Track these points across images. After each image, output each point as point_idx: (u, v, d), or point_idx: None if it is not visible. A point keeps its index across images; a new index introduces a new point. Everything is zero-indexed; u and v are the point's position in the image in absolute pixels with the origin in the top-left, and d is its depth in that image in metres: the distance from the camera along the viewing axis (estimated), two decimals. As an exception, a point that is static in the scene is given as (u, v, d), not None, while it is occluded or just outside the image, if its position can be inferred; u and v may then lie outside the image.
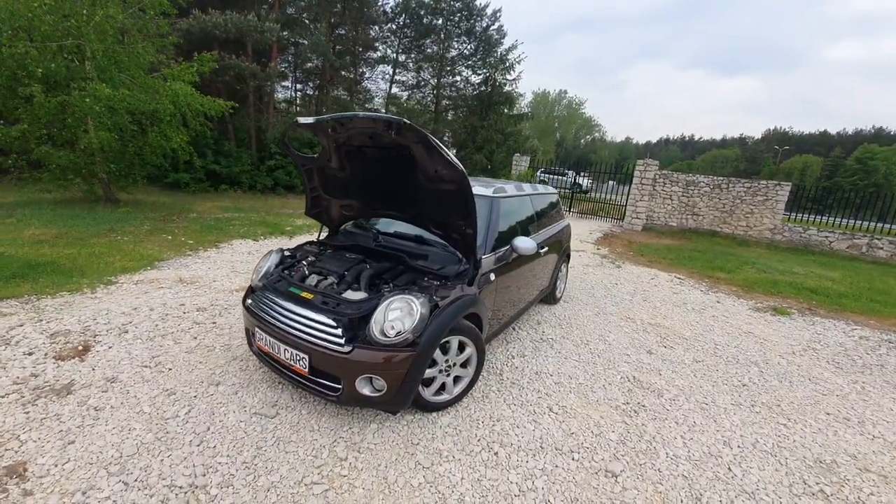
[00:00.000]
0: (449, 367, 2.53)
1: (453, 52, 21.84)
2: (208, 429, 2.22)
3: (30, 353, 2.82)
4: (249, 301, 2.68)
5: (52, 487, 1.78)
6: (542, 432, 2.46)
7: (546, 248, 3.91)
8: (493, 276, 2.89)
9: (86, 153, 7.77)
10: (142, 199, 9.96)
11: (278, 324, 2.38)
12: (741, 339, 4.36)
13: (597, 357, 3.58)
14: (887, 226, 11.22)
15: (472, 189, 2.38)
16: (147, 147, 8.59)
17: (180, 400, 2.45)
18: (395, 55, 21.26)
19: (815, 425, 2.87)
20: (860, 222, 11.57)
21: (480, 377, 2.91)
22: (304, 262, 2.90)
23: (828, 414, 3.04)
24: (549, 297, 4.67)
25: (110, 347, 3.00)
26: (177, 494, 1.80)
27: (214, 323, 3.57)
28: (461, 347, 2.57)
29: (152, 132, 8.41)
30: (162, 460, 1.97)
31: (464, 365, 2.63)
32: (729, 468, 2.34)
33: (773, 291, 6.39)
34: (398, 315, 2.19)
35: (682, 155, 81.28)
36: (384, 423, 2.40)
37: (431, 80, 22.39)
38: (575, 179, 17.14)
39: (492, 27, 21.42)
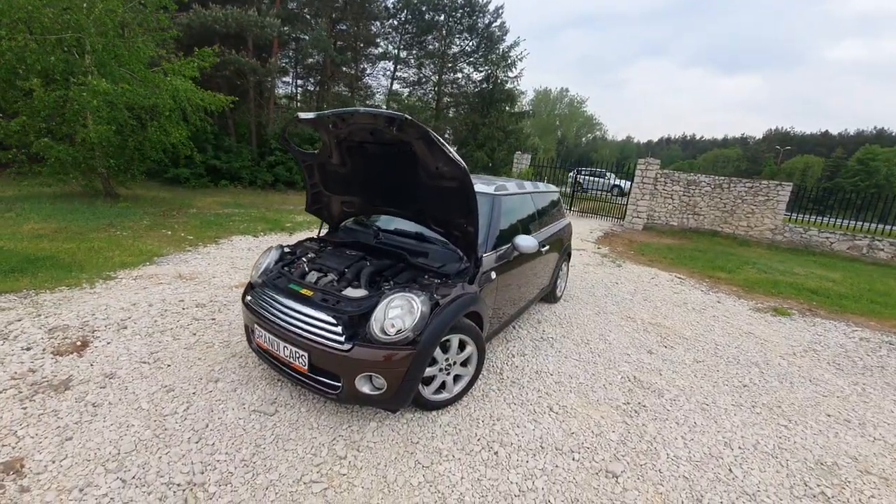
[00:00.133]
0: (449, 365, 2.52)
1: (455, 49, 21.77)
2: (207, 426, 2.21)
3: (28, 349, 2.80)
4: (249, 298, 2.66)
5: (49, 484, 1.77)
6: (543, 432, 2.45)
7: (547, 247, 3.89)
8: (493, 275, 2.87)
9: (85, 147, 7.74)
10: (141, 195, 9.92)
11: (278, 321, 2.36)
12: (742, 339, 4.35)
13: (597, 356, 3.57)
14: (888, 227, 11.20)
15: (475, 186, 2.36)
16: (147, 142, 8.56)
17: (179, 397, 2.43)
18: (396, 51, 21.18)
19: (815, 427, 2.86)
20: (861, 223, 11.56)
21: (480, 376, 2.90)
22: (304, 258, 2.88)
23: (828, 415, 3.03)
24: (549, 295, 4.66)
25: (109, 343, 2.98)
26: (175, 492, 1.79)
27: (213, 319, 3.55)
28: (461, 346, 2.55)
29: (152, 127, 8.37)
30: (160, 457, 1.96)
31: (464, 363, 2.62)
32: (730, 469, 2.33)
33: (773, 292, 6.38)
34: (398, 313, 2.18)
35: (683, 154, 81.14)
36: (384, 422, 2.38)
37: (433, 77, 22.31)
38: (614, 182, 16.80)
39: (494, 24, 21.35)
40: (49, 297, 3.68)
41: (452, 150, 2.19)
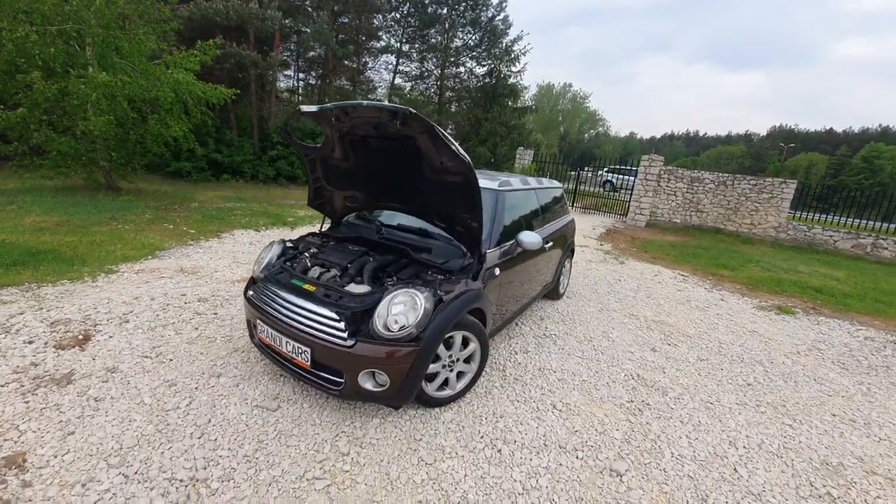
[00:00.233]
0: (452, 362, 2.50)
1: (458, 43, 21.60)
2: (209, 421, 2.20)
3: (30, 342, 2.79)
4: (251, 292, 2.64)
5: (51, 479, 1.76)
6: (546, 430, 2.43)
7: (551, 243, 3.86)
8: (497, 271, 2.84)
9: (87, 140, 7.71)
10: (143, 188, 9.90)
11: (280, 316, 2.34)
12: (746, 337, 4.33)
13: (600, 354, 3.55)
14: (892, 226, 11.13)
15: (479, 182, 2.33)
16: (148, 135, 8.52)
17: (181, 391, 2.42)
18: (398, 45, 21.05)
19: (820, 426, 2.85)
20: (865, 222, 11.48)
21: (483, 373, 2.89)
22: (306, 253, 2.86)
23: (833, 415, 3.01)
24: (552, 292, 4.63)
25: (111, 337, 2.97)
26: (177, 488, 1.78)
27: (216, 314, 3.54)
28: (465, 343, 2.53)
29: (153, 120, 8.33)
30: (162, 453, 1.95)
31: (467, 360, 2.61)
32: (735, 469, 2.32)
33: (777, 290, 6.35)
34: (402, 309, 2.16)
35: (686, 151, 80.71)
36: (386, 418, 2.37)
37: (435, 71, 22.16)
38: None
39: (497, 17, 21.17)
40: (51, 290, 3.67)
41: (457, 145, 2.15)
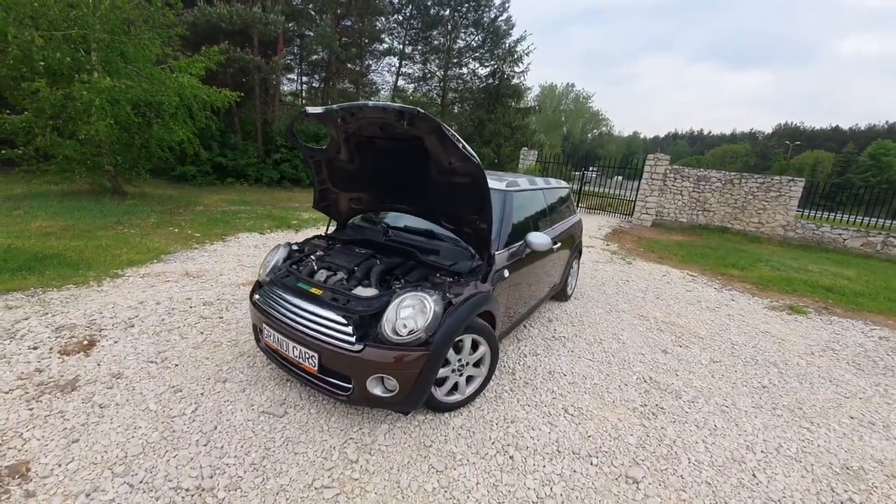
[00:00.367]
0: (462, 366, 2.45)
1: (460, 44, 21.59)
2: (215, 428, 2.16)
3: (35, 348, 2.77)
4: (257, 296, 2.60)
5: (55, 489, 1.72)
6: (559, 435, 2.37)
7: (559, 244, 3.80)
8: (506, 273, 2.79)
9: (92, 144, 7.74)
10: (148, 192, 9.94)
11: (287, 320, 2.30)
12: (758, 338, 4.24)
13: (611, 356, 3.49)
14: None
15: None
16: (152, 140, 8.55)
17: (187, 397, 2.39)
18: (401, 47, 21.08)
19: (839, 430, 2.77)
20: (872, 219, 11.32)
21: (493, 376, 2.83)
22: (312, 256, 2.82)
23: (852, 418, 2.93)
24: (559, 293, 4.57)
25: (116, 342, 2.95)
26: (183, 497, 1.74)
27: (221, 318, 3.51)
28: (474, 346, 2.48)
29: (157, 124, 8.36)
30: (168, 461, 1.91)
31: (477, 364, 2.55)
32: (753, 474, 2.25)
33: (788, 290, 6.25)
34: (410, 313, 2.11)
35: (690, 150, 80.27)
36: (395, 424, 2.32)
37: (438, 73, 22.17)
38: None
39: (500, 18, 21.17)
40: (56, 295, 3.66)
41: (466, 145, 2.11)
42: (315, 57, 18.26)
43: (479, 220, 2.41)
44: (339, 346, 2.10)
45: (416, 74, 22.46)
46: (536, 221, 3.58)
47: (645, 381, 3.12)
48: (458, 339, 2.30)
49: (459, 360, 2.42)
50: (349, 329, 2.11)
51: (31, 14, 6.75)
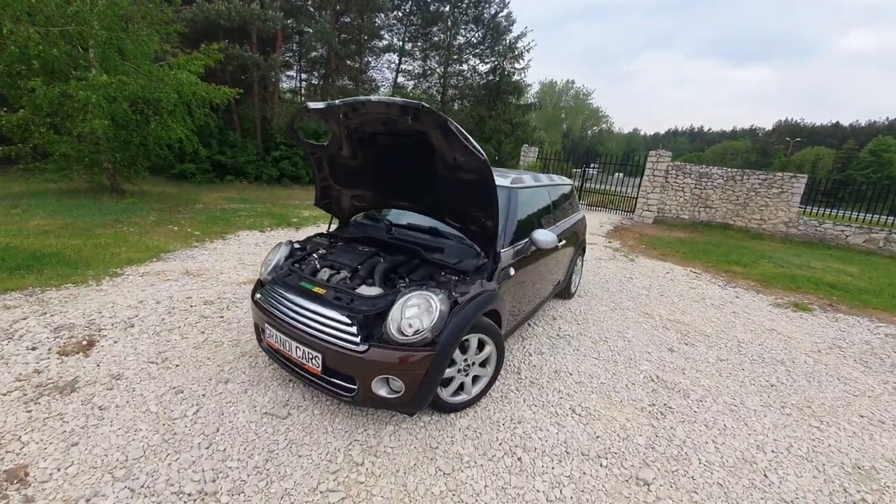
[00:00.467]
0: (468, 366, 2.41)
1: (461, 40, 21.46)
2: (217, 430, 2.11)
3: (33, 348, 2.73)
4: (258, 295, 2.56)
5: (54, 494, 1.68)
6: (567, 436, 2.33)
7: (563, 241, 3.76)
8: (512, 271, 2.75)
9: (91, 142, 7.67)
10: (147, 190, 9.87)
11: (289, 320, 2.26)
12: (764, 336, 4.21)
13: (617, 355, 3.45)
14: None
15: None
16: (150, 137, 8.47)
17: (188, 399, 2.35)
18: (401, 43, 20.95)
19: (849, 428, 2.74)
20: (872, 216, 11.27)
21: (498, 376, 2.79)
22: (314, 255, 2.78)
23: (861, 416, 2.90)
24: (563, 291, 4.53)
25: (115, 342, 2.90)
26: (185, 502, 1.70)
27: (222, 317, 3.46)
28: (480, 346, 2.44)
29: (155, 122, 8.28)
30: (169, 464, 1.87)
31: (482, 364, 2.51)
32: (765, 475, 2.21)
33: (791, 286, 6.21)
34: (416, 312, 2.06)
35: (690, 146, 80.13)
36: (400, 425, 2.28)
37: (438, 69, 22.04)
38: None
39: (500, 14, 21.02)
40: (55, 294, 3.61)
41: (473, 140, 2.05)
42: (314, 54, 18.15)
43: (486, 218, 2.36)
44: (343, 347, 2.06)
45: (416, 71, 22.35)
46: (541, 219, 3.53)
47: (652, 380, 3.08)
48: (464, 338, 2.26)
49: (465, 360, 2.38)
50: (353, 329, 2.06)
51: (28, 10, 6.67)
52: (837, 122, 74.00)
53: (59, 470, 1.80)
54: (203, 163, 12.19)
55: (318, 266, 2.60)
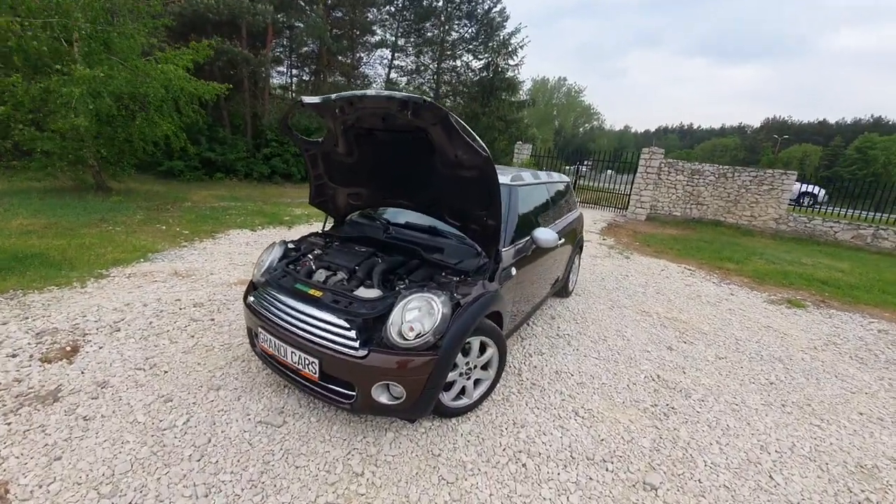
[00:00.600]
0: (470, 369, 2.35)
1: (454, 36, 21.25)
2: (209, 440, 2.02)
3: (13, 355, 2.60)
4: (251, 298, 2.46)
5: (35, 513, 1.59)
6: (571, 439, 2.29)
7: (563, 240, 3.71)
8: (513, 271, 2.69)
9: (76, 138, 7.43)
10: (134, 188, 9.63)
11: (284, 324, 2.17)
12: (761, 333, 4.21)
13: (617, 354, 3.42)
14: (885, 215, 11.09)
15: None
16: (135, 134, 8.24)
17: (178, 407, 2.25)
18: (393, 39, 20.69)
19: (849, 426, 2.73)
20: (858, 212, 11.42)
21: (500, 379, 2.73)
22: (309, 255, 2.69)
23: (860, 414, 2.90)
24: (561, 290, 4.49)
25: (101, 348, 2.78)
26: (176, 519, 1.61)
27: (213, 320, 3.35)
28: (482, 348, 2.38)
29: (140, 117, 8.05)
30: (159, 478, 1.78)
31: (484, 367, 2.45)
32: (770, 476, 2.19)
33: (784, 283, 6.25)
34: (417, 315, 1.99)
35: (680, 144, 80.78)
36: (401, 432, 2.21)
37: (431, 65, 21.82)
38: (803, 188, 13.30)
39: (493, 10, 20.83)
40: (37, 297, 3.47)
41: (476, 136, 1.98)
42: (305, 49, 17.83)
43: (488, 216, 2.29)
44: (341, 352, 1.97)
45: (409, 67, 22.10)
46: (542, 216, 3.48)
47: (653, 380, 3.05)
48: (466, 341, 2.19)
49: (467, 364, 2.32)
50: (352, 333, 1.98)
51: (10, 2, 6.42)
52: (824, 119, 75.19)
53: (40, 487, 1.70)
54: (192, 160, 11.94)
55: (313, 267, 2.51)
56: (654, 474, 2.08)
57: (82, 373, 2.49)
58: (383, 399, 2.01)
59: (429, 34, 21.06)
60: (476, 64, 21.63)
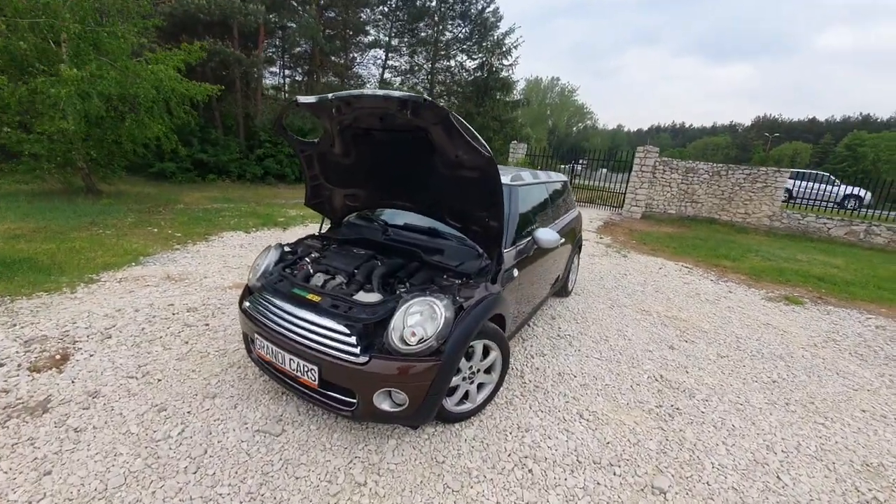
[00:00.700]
0: (473, 373, 2.30)
1: (448, 36, 21.23)
2: (206, 451, 1.95)
3: (1, 365, 2.51)
4: (247, 303, 2.39)
5: (22, 532, 1.51)
6: (577, 443, 2.24)
7: (563, 239, 3.67)
8: (515, 272, 2.64)
9: (65, 140, 7.29)
10: (125, 190, 9.48)
11: (282, 330, 2.11)
12: (761, 331, 4.20)
13: (619, 354, 3.38)
14: (877, 212, 11.20)
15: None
16: (124, 135, 8.09)
17: (172, 417, 2.17)
18: (387, 39, 20.61)
19: (853, 424, 2.72)
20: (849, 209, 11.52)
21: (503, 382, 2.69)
22: (306, 258, 2.62)
23: (863, 411, 2.89)
24: (561, 289, 4.46)
25: (92, 355, 2.70)
26: (172, 535, 1.55)
27: (207, 325, 3.28)
28: (485, 352, 2.33)
29: (129, 119, 7.92)
30: (154, 493, 1.71)
31: (488, 370, 2.40)
32: (778, 477, 2.17)
33: (781, 280, 6.27)
34: (419, 319, 1.94)
35: (673, 142, 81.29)
36: (403, 439, 2.16)
37: (425, 65, 21.78)
38: (847, 191, 12.84)
39: (487, 9, 20.83)
40: (26, 303, 3.37)
41: (478, 136, 1.93)
42: (298, 49, 17.71)
43: (489, 218, 2.25)
44: (341, 358, 1.92)
45: (403, 67, 22.04)
46: (541, 216, 3.44)
47: (656, 380, 3.02)
48: (469, 345, 2.14)
49: (470, 368, 2.27)
50: (352, 339, 1.93)
51: None
52: (814, 117, 76.07)
53: (30, 503, 1.62)
54: (184, 161, 11.79)
55: (311, 271, 2.45)
56: (661, 477, 2.05)
57: (73, 382, 2.41)
58: (385, 406, 1.95)
59: (422, 34, 21.02)
60: (470, 64, 21.65)
